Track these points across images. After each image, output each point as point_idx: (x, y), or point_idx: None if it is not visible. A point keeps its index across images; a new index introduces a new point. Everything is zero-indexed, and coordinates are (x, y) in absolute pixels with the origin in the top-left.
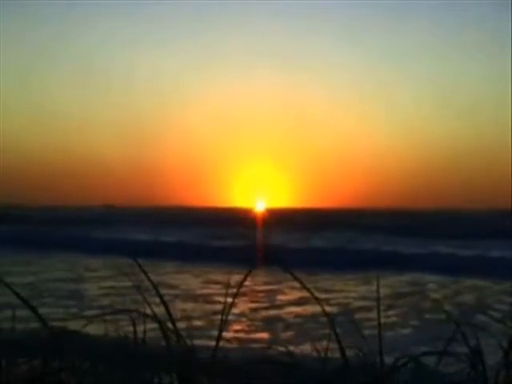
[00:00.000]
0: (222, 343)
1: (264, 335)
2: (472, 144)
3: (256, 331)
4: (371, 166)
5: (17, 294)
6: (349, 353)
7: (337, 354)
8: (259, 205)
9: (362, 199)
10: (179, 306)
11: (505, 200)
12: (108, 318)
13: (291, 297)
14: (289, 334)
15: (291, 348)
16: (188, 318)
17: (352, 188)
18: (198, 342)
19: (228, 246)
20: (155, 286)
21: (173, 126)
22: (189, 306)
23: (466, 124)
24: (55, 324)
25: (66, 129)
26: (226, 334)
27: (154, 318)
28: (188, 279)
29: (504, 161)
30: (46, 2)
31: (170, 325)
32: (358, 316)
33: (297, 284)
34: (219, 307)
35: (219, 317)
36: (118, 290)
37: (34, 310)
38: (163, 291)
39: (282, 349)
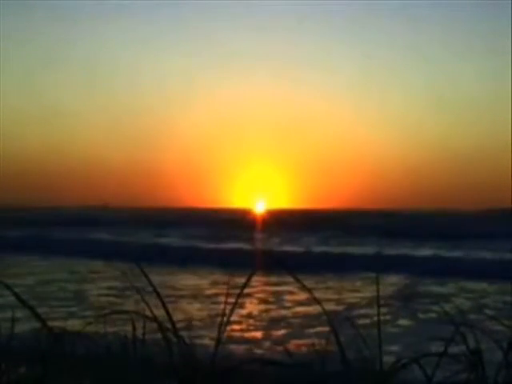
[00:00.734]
0: (222, 342)
1: (265, 336)
2: (471, 144)
3: (256, 332)
4: (371, 167)
5: (16, 296)
6: (349, 354)
7: (336, 355)
8: (259, 206)
9: (362, 200)
10: (179, 308)
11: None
12: (108, 319)
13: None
14: (289, 334)
15: (291, 348)
16: (189, 322)
17: (352, 189)
18: (198, 343)
19: (227, 247)
20: (155, 288)
21: (173, 128)
22: (189, 309)
23: (465, 124)
24: (55, 325)
25: (68, 129)
26: (227, 334)
27: (154, 319)
28: (187, 282)
29: (504, 160)
30: (51, 3)
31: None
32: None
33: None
34: (221, 309)
35: (220, 318)
36: (118, 291)
37: (33, 310)
38: (163, 293)
39: (281, 349)
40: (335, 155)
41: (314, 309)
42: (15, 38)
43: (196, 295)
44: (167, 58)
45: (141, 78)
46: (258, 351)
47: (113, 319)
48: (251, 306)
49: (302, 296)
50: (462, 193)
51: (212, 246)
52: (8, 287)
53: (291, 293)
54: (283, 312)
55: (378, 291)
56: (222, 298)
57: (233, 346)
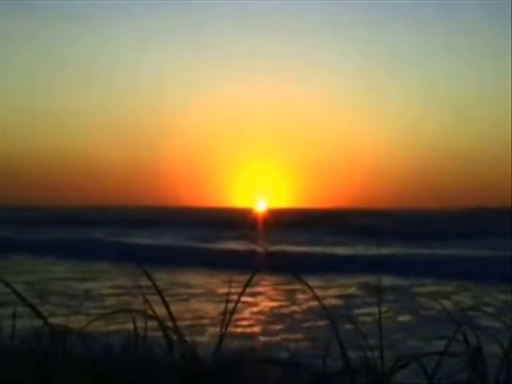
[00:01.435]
0: (223, 341)
1: (266, 335)
2: (470, 143)
3: (258, 331)
4: (372, 166)
5: (18, 294)
6: (350, 353)
7: (338, 354)
8: (260, 205)
9: (363, 199)
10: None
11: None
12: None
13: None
14: (290, 333)
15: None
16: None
17: (353, 188)
18: (199, 341)
19: (228, 248)
20: (157, 288)
21: (173, 126)
22: (191, 309)
23: (464, 124)
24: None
25: (67, 128)
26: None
27: (155, 317)
28: (187, 283)
29: (503, 160)
30: (50, 3)
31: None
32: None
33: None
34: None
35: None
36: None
37: (34, 309)
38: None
39: (284, 348)
40: (336, 154)
41: (313, 307)
42: (15, 38)
43: (196, 296)
44: (167, 58)
45: (141, 77)
46: (260, 350)
47: (115, 318)
48: (252, 305)
49: (301, 295)
50: (462, 192)
51: (212, 245)
52: (8, 285)
53: (292, 291)
54: (284, 311)
55: (379, 293)
56: (223, 298)
57: (234, 345)
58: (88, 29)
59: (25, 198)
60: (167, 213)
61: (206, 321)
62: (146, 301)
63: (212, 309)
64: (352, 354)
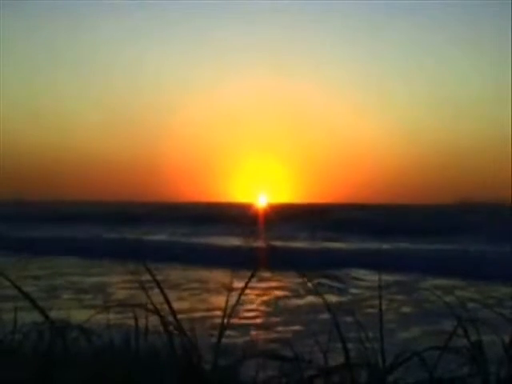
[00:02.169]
0: (223, 340)
1: (267, 329)
2: (470, 143)
3: (258, 325)
4: (373, 161)
5: (19, 289)
6: (350, 347)
7: (339, 349)
8: (260, 200)
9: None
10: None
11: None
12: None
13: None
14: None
15: (293, 342)
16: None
17: (354, 183)
18: (200, 336)
19: (228, 244)
20: (157, 283)
21: (173, 121)
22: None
23: (466, 122)
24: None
25: (66, 125)
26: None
27: (156, 312)
28: (186, 280)
29: (503, 159)
30: (50, 2)
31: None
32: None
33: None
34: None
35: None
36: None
37: (36, 304)
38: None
39: (284, 343)
40: (336, 149)
41: (313, 303)
42: (15, 38)
43: (197, 292)
44: (167, 53)
45: (141, 71)
46: (260, 345)
47: (116, 312)
48: (252, 301)
49: (297, 290)
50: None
51: (212, 241)
52: (9, 280)
53: (289, 288)
54: (283, 307)
55: (380, 288)
56: (223, 294)
57: (235, 340)
58: (87, 27)
59: (23, 194)
60: (166, 208)
61: (207, 317)
62: (148, 296)
63: (212, 303)
64: (352, 348)
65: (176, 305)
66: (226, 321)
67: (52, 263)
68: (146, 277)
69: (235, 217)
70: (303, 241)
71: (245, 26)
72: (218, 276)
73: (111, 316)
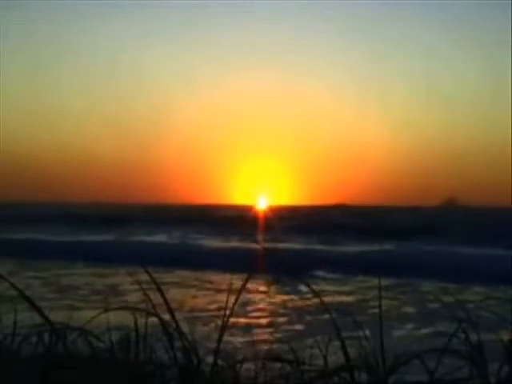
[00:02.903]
0: (224, 341)
1: (267, 332)
2: (470, 143)
3: (258, 327)
4: (374, 163)
5: (18, 290)
6: (350, 350)
7: (339, 352)
8: (261, 202)
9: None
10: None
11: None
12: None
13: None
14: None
15: (294, 345)
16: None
17: (355, 185)
18: (199, 339)
19: (227, 246)
20: (158, 285)
21: (173, 122)
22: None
23: (467, 122)
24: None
25: (65, 126)
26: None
27: (155, 314)
28: (187, 280)
29: (504, 159)
30: (49, 2)
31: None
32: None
33: None
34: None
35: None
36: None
37: (35, 306)
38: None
39: (284, 345)
40: (338, 151)
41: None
42: (15, 37)
43: (196, 294)
44: (167, 53)
45: (141, 72)
46: (260, 347)
47: (116, 314)
48: (252, 304)
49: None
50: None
51: (213, 243)
52: (9, 281)
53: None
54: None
55: (379, 291)
56: (223, 296)
57: (235, 342)
58: (86, 27)
59: (23, 195)
60: (166, 210)
61: (206, 318)
62: (149, 299)
63: (210, 305)
64: (352, 351)
65: (175, 306)
66: (224, 322)
67: (57, 266)
68: (146, 278)
69: (233, 219)
70: (295, 243)
71: (246, 26)
72: (216, 278)
73: (111, 317)
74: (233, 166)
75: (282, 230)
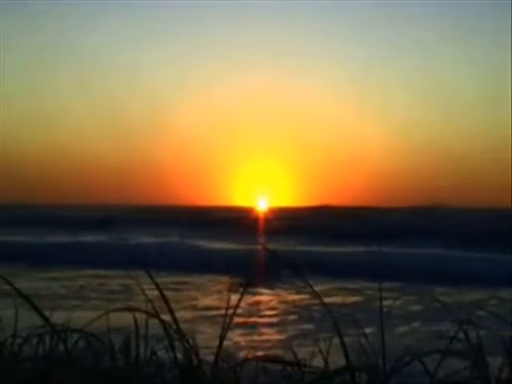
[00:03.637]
0: (225, 341)
1: (267, 334)
2: (471, 143)
3: (258, 329)
4: (374, 164)
5: (18, 292)
6: (351, 351)
7: (339, 354)
8: (261, 204)
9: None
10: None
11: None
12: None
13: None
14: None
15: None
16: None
17: (356, 186)
18: (200, 341)
19: (226, 248)
20: (158, 287)
21: (172, 123)
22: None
23: (468, 123)
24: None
25: (65, 127)
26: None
27: (156, 315)
28: (188, 282)
29: (504, 159)
30: (49, 2)
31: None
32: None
33: None
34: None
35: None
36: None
37: (35, 307)
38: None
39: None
40: (337, 153)
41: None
42: (14, 37)
43: (194, 297)
44: (166, 55)
45: (139, 74)
46: (261, 349)
47: (117, 315)
48: (253, 304)
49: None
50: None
51: (213, 245)
52: (9, 283)
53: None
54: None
55: (380, 293)
56: (224, 298)
57: (236, 344)
58: (86, 28)
59: (22, 197)
60: (165, 212)
61: (206, 320)
62: (149, 300)
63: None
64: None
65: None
66: (226, 325)
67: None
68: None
69: (232, 220)
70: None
71: (244, 26)
72: (215, 280)
73: (111, 319)
74: (232, 167)
75: (281, 232)
